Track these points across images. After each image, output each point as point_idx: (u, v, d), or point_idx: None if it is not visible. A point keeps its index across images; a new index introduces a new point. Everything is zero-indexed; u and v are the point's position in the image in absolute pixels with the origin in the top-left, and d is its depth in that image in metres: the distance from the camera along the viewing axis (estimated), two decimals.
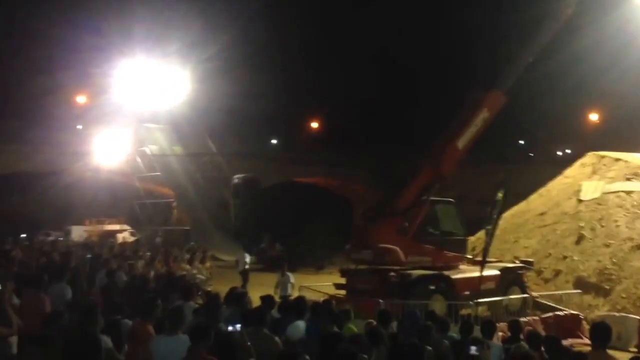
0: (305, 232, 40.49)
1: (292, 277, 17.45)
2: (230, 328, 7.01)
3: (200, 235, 34.69)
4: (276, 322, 8.17)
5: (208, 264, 21.52)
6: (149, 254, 20.23)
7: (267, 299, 9.15)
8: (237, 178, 37.97)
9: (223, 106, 39.79)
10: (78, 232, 35.94)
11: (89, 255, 18.12)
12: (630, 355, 9.26)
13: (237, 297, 9.31)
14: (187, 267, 18.96)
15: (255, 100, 43.52)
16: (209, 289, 14.67)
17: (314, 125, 59.03)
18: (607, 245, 17.76)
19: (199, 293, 12.28)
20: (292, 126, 57.68)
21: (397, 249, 15.32)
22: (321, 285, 17.37)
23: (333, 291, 16.42)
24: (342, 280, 16.60)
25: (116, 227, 38.31)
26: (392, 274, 15.14)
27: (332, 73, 54.57)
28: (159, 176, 38.58)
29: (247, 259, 22.38)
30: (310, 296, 14.53)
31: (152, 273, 15.51)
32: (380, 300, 13.69)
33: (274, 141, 52.35)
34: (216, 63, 38.16)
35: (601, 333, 6.65)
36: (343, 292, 16.26)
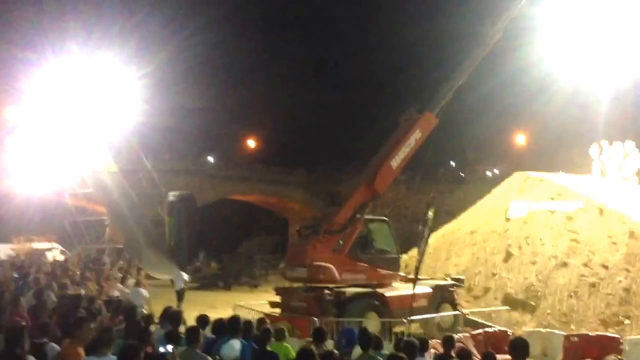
0: (241, 250, 40.27)
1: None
2: (161, 349, 6.95)
3: (134, 254, 34.03)
4: (210, 342, 8.13)
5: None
6: (79, 272, 19.72)
7: (201, 319, 9.09)
8: (172, 195, 37.44)
9: (158, 123, 39.37)
10: (5, 250, 34.56)
11: (15, 275, 17.52)
12: None
13: (171, 316, 9.19)
14: (120, 286, 18.57)
15: (192, 117, 43.25)
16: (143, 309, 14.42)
17: (251, 142, 58.96)
18: (533, 263, 18.48)
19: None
20: (229, 143, 57.52)
21: (332, 266, 15.45)
22: (256, 303, 17.34)
23: (268, 310, 16.42)
24: (277, 299, 16.64)
25: (46, 245, 37.07)
26: (327, 291, 15.25)
27: (269, 91, 54.83)
28: (91, 193, 37.71)
29: (185, 277, 22.08)
30: (245, 315, 14.51)
31: (83, 292, 15.12)
32: (315, 318, 13.76)
33: (210, 158, 52.00)
34: (152, 80, 37.78)
35: (519, 349, 6.91)
36: (278, 310, 16.28)
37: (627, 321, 15.48)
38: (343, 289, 15.46)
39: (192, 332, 7.63)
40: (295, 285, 16.51)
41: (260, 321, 9.93)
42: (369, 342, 7.99)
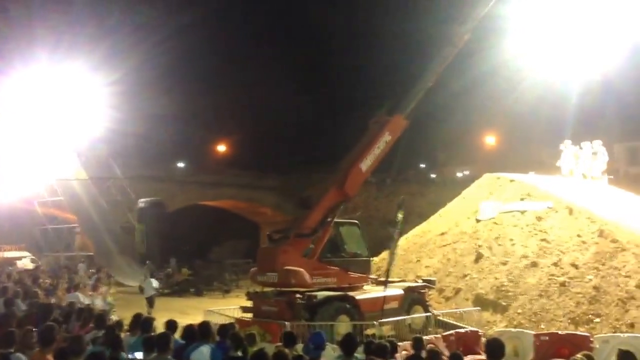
0: (213, 256, 40.06)
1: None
2: (130, 356, 6.84)
3: (104, 261, 33.64)
4: (181, 348, 8.04)
5: (112, 290, 20.88)
6: (48, 281, 19.43)
7: (170, 324, 8.98)
8: (142, 202, 37.14)
9: (128, 129, 39.04)
10: None
11: None
12: None
13: (142, 323, 9.10)
14: (91, 293, 18.33)
15: (162, 124, 42.94)
16: (112, 316, 14.22)
17: (222, 148, 58.67)
18: (504, 263, 18.57)
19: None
20: (199, 149, 57.25)
21: (303, 270, 15.38)
22: (227, 308, 17.19)
23: (240, 315, 16.30)
24: (249, 304, 16.51)
25: (15, 253, 36.49)
26: (298, 295, 15.22)
27: (240, 96, 54.68)
28: (61, 201, 37.26)
29: (154, 284, 21.87)
30: (216, 320, 14.38)
31: (53, 301, 14.87)
32: (286, 323, 13.69)
33: (180, 164, 51.69)
34: (121, 87, 37.45)
35: (495, 350, 6.96)
36: (249, 315, 16.16)
37: (596, 319, 15.58)
38: (314, 293, 15.40)
39: (163, 338, 7.54)
40: (267, 289, 16.40)
41: (229, 327, 9.84)
42: (353, 347, 7.95)
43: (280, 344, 8.83)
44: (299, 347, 9.60)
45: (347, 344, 7.96)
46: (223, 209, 51.48)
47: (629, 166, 45.63)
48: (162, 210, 37.61)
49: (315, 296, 15.32)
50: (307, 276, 15.44)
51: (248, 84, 55.40)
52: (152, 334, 8.48)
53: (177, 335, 8.64)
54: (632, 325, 14.91)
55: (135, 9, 44.57)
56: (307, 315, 14.82)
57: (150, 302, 20.91)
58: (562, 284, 16.90)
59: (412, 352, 9.96)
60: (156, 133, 42.63)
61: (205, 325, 8.89)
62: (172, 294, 29.89)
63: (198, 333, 8.47)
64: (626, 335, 13.83)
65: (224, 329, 9.27)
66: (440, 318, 16.66)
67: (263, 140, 56.49)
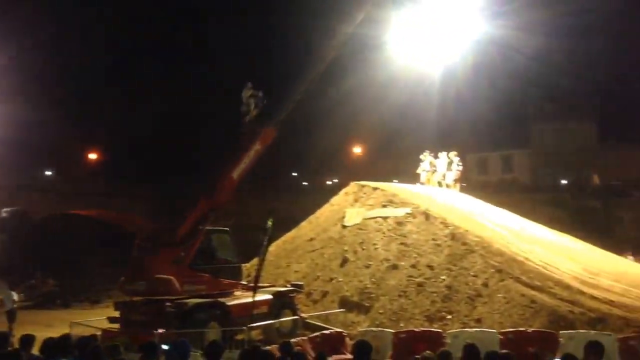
0: (81, 266, 38.61)
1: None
2: None
3: None
4: None
5: None
6: None
7: (24, 340, 8.56)
8: (4, 212, 35.27)
9: None
10: None
11: None
12: None
13: None
14: None
15: (28, 130, 40.87)
16: None
17: (92, 156, 56.64)
18: (367, 267, 19.62)
19: None
20: (68, 157, 54.84)
21: (172, 278, 15.46)
22: (94, 320, 16.88)
23: (107, 325, 16.07)
24: (117, 314, 16.34)
25: None
26: (168, 303, 15.25)
27: (113, 103, 53.14)
28: None
29: (15, 297, 20.89)
30: (82, 332, 14.12)
31: None
32: (155, 332, 13.72)
33: (48, 172, 49.32)
34: None
35: (362, 351, 7.52)
36: (117, 325, 15.99)
37: (449, 316, 16.94)
38: (184, 301, 15.52)
39: (14, 354, 7.35)
40: (136, 299, 16.31)
41: (90, 339, 9.67)
42: (218, 354, 8.10)
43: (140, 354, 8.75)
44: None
45: (212, 351, 8.17)
46: (92, 218, 49.72)
47: (479, 175, 49.29)
48: (26, 220, 35.88)
49: (186, 303, 15.44)
50: (176, 284, 15.54)
51: (121, 89, 54.02)
52: (8, 349, 8.13)
53: (35, 350, 8.36)
54: (479, 321, 16.38)
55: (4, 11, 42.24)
56: (177, 323, 14.89)
57: (11, 316, 19.98)
58: (419, 285, 18.19)
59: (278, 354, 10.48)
60: (22, 140, 40.49)
61: (64, 339, 8.59)
62: (36, 306, 28.60)
63: (58, 346, 8.13)
64: (474, 330, 15.20)
65: (84, 341, 8.87)
66: (308, 321, 17.36)
67: (137, 148, 55.16)
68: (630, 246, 32.13)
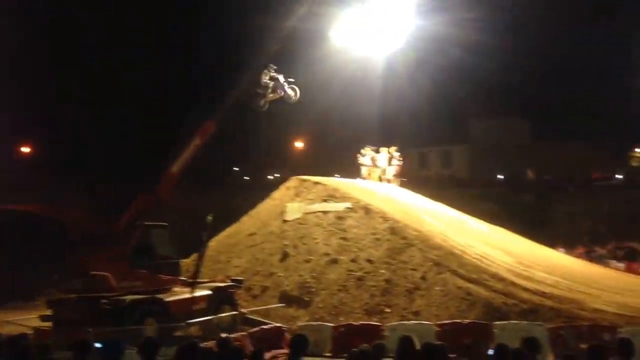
0: (12, 263, 37.40)
1: None
2: None
3: None
4: None
5: None
6: None
7: None
8: None
9: None
10: None
11: None
12: None
13: None
14: None
15: None
16: None
17: (25, 149, 54.80)
18: (308, 261, 19.70)
19: None
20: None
21: (109, 275, 15.21)
22: (26, 318, 16.38)
23: (39, 324, 15.63)
24: (49, 312, 15.91)
25: None
26: (104, 301, 14.97)
27: (45, 96, 51.46)
28: None
29: None
30: (13, 331, 13.69)
31: None
32: (89, 330, 13.43)
33: None
34: None
35: (299, 344, 7.57)
36: (49, 323, 15.58)
37: (388, 310, 17.19)
38: (121, 297, 15.25)
39: None
40: (71, 296, 15.93)
41: (20, 337, 9.43)
42: (153, 351, 7.99)
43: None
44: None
45: (147, 348, 8.05)
46: (25, 213, 48.13)
47: (419, 170, 50.16)
48: None
49: (123, 300, 15.17)
50: (113, 280, 15.29)
51: (56, 81, 52.35)
52: None
53: None
54: (417, 313, 16.69)
55: None
56: (114, 320, 14.62)
57: None
58: (359, 279, 18.38)
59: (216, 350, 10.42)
60: None
61: None
62: None
63: None
64: (411, 322, 15.49)
65: (13, 340, 8.70)
66: (248, 316, 17.32)
67: (75, 142, 53.55)
68: (562, 239, 33.23)
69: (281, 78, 20.14)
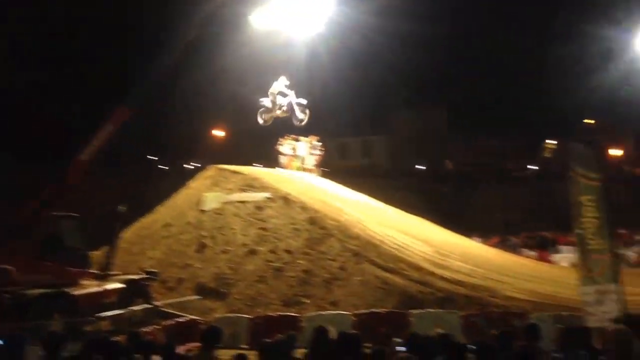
0: None
1: None
2: None
3: None
4: None
5: None
6: None
7: None
8: None
9: None
10: None
11: None
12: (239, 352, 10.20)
13: None
14: None
15: None
16: None
17: None
18: (225, 252, 19.36)
19: None
20: None
21: (11, 268, 14.54)
22: None
23: None
24: None
25: None
26: (6, 295, 14.28)
27: None
28: None
29: None
30: None
31: None
32: None
33: None
34: None
35: (209, 337, 7.34)
36: None
37: (306, 300, 17.13)
38: (25, 291, 14.54)
39: None
40: None
41: None
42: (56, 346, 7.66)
43: None
44: None
45: (50, 343, 7.71)
46: None
47: (340, 160, 50.38)
48: None
49: (26, 294, 14.51)
50: (16, 273, 14.59)
51: None
52: None
53: None
54: (335, 303, 16.70)
55: None
56: (17, 315, 13.96)
57: None
58: (277, 269, 18.22)
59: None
60: None
61: None
62: None
63: None
64: (329, 312, 15.49)
65: None
66: (163, 309, 16.84)
67: None
68: (478, 229, 34.09)
69: (293, 97, 19.75)
